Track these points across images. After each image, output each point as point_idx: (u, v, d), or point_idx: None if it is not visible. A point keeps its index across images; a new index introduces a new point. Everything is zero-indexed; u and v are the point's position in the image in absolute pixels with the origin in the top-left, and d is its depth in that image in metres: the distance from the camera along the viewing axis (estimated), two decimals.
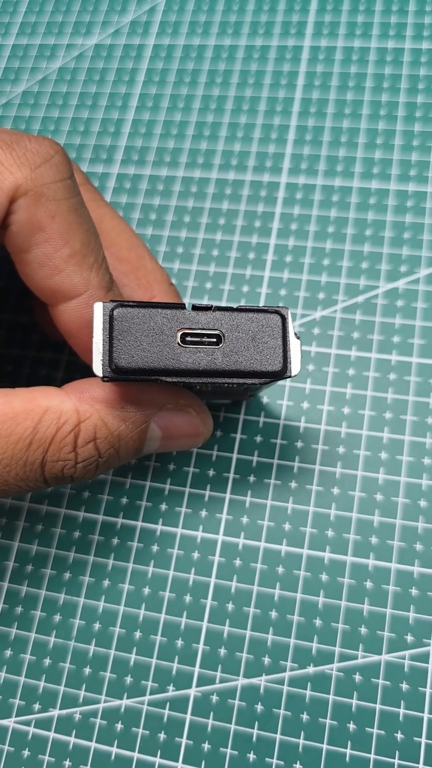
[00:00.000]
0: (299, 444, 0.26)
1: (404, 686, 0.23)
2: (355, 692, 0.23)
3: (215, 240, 0.30)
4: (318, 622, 0.24)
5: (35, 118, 0.34)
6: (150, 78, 0.34)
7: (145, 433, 0.22)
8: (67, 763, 0.24)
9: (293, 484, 0.26)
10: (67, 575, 0.26)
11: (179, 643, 0.25)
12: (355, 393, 0.27)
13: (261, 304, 0.28)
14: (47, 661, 0.25)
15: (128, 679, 0.25)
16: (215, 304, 0.20)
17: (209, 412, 0.23)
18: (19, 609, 0.26)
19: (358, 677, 0.23)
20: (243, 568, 0.25)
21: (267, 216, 0.30)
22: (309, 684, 0.24)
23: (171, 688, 0.24)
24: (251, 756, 0.23)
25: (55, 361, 0.29)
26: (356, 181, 0.30)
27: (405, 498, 0.25)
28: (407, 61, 0.32)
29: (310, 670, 0.24)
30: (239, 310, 0.19)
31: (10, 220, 0.20)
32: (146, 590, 0.25)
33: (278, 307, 0.19)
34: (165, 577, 0.25)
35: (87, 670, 0.25)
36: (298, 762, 0.23)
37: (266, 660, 0.24)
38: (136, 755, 0.24)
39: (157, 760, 0.24)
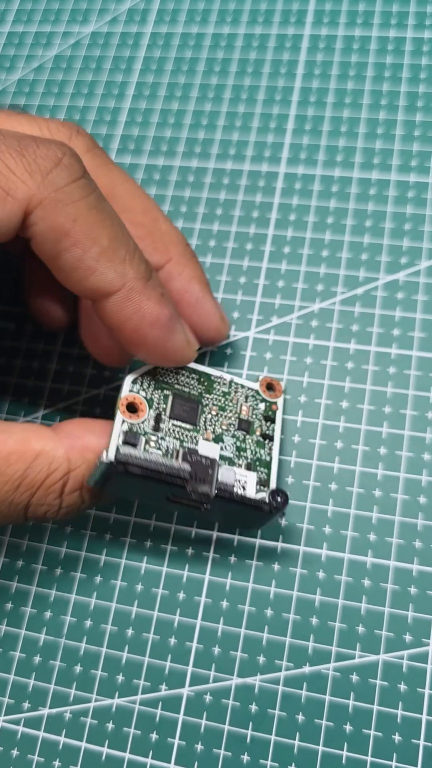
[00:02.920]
0: (296, 439, 0.26)
1: (402, 687, 0.22)
2: (352, 693, 0.23)
3: (212, 230, 0.29)
4: (314, 620, 0.24)
5: (31, 106, 0.33)
6: (147, 66, 0.33)
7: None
8: (57, 763, 0.23)
9: (290, 479, 0.25)
10: (59, 571, 0.25)
11: (172, 641, 0.24)
12: (353, 387, 0.26)
13: (258, 297, 0.28)
14: (37, 659, 0.25)
15: (120, 678, 0.24)
16: (213, 491, 0.21)
17: None
18: (9, 605, 0.25)
19: (355, 677, 0.23)
20: (238, 564, 0.24)
21: (265, 206, 0.29)
22: (305, 684, 0.23)
23: (163, 687, 0.24)
24: (245, 757, 0.23)
25: (47, 352, 0.28)
26: (356, 172, 0.29)
27: (404, 494, 0.24)
28: (409, 51, 0.31)
29: (306, 669, 0.23)
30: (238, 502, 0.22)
31: (32, 231, 0.20)
32: (139, 587, 0.25)
33: (275, 505, 0.22)
34: (158, 573, 0.25)
35: (78, 668, 0.24)
36: (293, 764, 0.22)
37: (261, 659, 0.23)
38: (127, 755, 0.23)
39: (149, 760, 0.23)
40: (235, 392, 0.24)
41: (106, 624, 0.25)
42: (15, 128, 0.22)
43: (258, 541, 0.25)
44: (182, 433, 0.22)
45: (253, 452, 0.23)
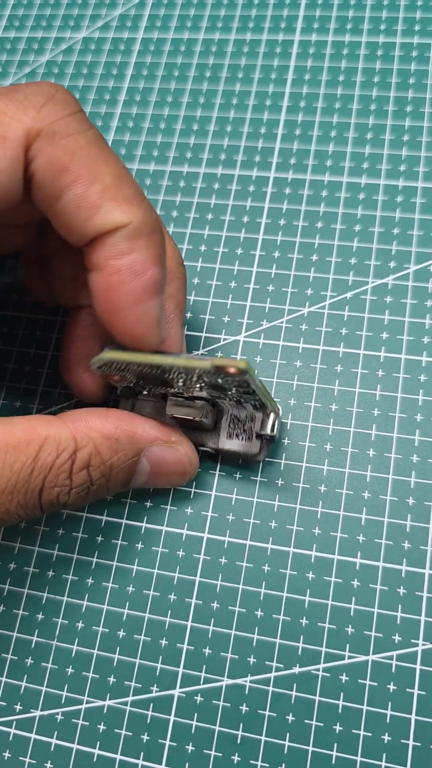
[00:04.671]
0: (286, 441, 0.26)
1: (391, 687, 0.23)
2: (341, 693, 0.23)
3: (203, 235, 0.29)
4: (304, 621, 0.24)
5: None
6: (139, 72, 0.34)
7: (135, 466, 0.23)
8: (49, 764, 0.23)
9: (279, 482, 0.25)
10: (50, 573, 0.26)
11: (163, 642, 0.24)
12: (343, 389, 0.26)
13: (248, 301, 0.28)
14: (29, 661, 0.25)
15: (111, 679, 0.24)
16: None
17: (197, 453, 0.24)
18: (1, 608, 0.26)
19: (344, 678, 0.23)
20: (228, 566, 0.25)
21: (255, 211, 0.30)
22: (295, 684, 0.23)
23: (155, 688, 0.24)
24: (236, 758, 0.23)
25: (39, 356, 0.29)
26: (346, 177, 0.30)
27: (393, 496, 0.25)
28: (398, 56, 0.31)
29: (296, 670, 0.23)
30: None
31: (32, 169, 0.19)
32: (130, 588, 0.25)
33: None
34: (149, 575, 0.25)
35: (69, 670, 0.24)
36: (283, 764, 0.22)
37: (251, 660, 0.24)
38: (118, 757, 0.23)
39: (140, 762, 0.23)
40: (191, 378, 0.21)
41: (97, 626, 0.25)
42: None
43: (248, 543, 0.25)
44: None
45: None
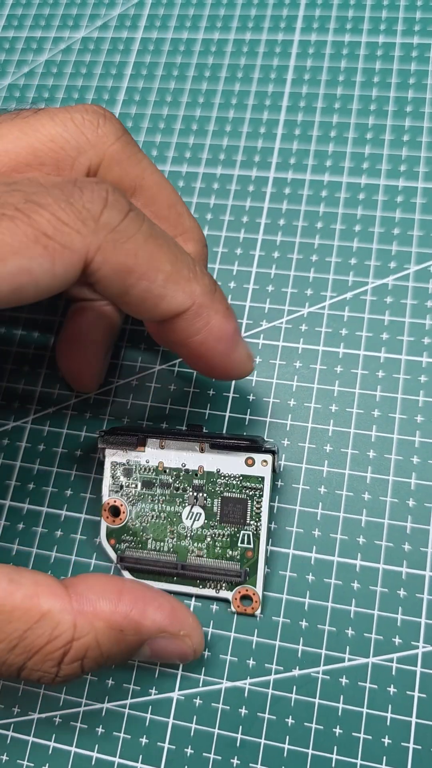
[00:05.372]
0: (286, 442, 0.26)
1: (392, 690, 0.23)
2: (341, 696, 0.23)
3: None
4: (304, 623, 0.24)
5: None
6: (138, 72, 0.34)
7: (133, 655, 0.21)
8: (47, 767, 0.23)
9: (279, 483, 0.25)
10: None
11: None
12: (342, 390, 0.26)
13: (248, 302, 0.28)
14: None
15: (110, 682, 0.24)
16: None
17: (203, 635, 0.23)
18: None
19: (344, 680, 0.23)
20: None
21: (255, 211, 0.30)
22: (294, 687, 0.23)
23: (153, 691, 0.24)
24: (235, 761, 0.23)
25: (38, 356, 0.28)
26: (345, 177, 0.29)
27: (393, 497, 0.24)
28: (398, 56, 0.31)
29: (296, 672, 0.23)
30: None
31: (97, 277, 0.19)
32: None
33: None
34: None
35: None
36: (283, 767, 0.22)
37: (251, 662, 0.23)
38: (117, 760, 0.23)
39: (139, 764, 0.23)
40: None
41: None
42: (39, 130, 0.21)
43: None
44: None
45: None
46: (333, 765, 0.22)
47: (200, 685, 0.23)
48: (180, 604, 0.22)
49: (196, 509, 0.24)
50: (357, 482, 0.25)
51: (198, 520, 0.24)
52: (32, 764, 0.24)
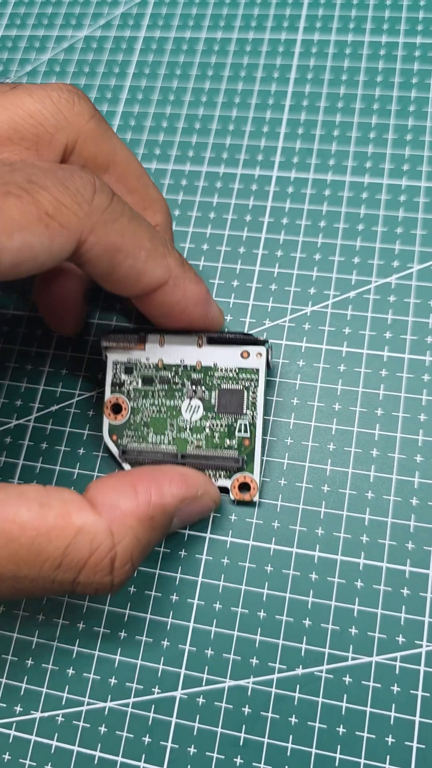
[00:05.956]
0: (289, 441, 0.26)
1: (395, 689, 0.22)
2: (344, 695, 0.23)
3: (205, 234, 0.29)
4: (307, 622, 0.23)
5: None
6: (141, 70, 0.34)
7: (168, 529, 0.23)
8: (49, 767, 0.23)
9: (282, 482, 0.25)
10: None
11: (165, 643, 0.24)
12: (345, 389, 0.26)
13: (251, 300, 0.28)
14: (29, 662, 0.25)
15: (112, 681, 0.24)
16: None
17: (215, 486, 0.24)
18: (1, 608, 0.25)
19: (348, 679, 0.23)
20: (231, 566, 0.24)
21: (258, 210, 0.29)
22: (298, 686, 0.23)
23: (156, 690, 0.24)
24: (238, 760, 0.22)
25: (41, 354, 0.28)
26: (348, 176, 0.29)
27: (396, 496, 0.24)
28: (401, 56, 0.31)
29: (299, 671, 0.23)
30: None
31: (87, 257, 0.20)
32: (132, 588, 0.25)
33: None
34: (151, 575, 0.25)
35: (70, 671, 0.24)
36: (286, 766, 0.22)
37: (254, 661, 0.23)
38: (120, 759, 0.23)
39: (142, 764, 0.23)
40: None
41: (98, 627, 0.25)
42: (19, 105, 0.22)
43: (251, 543, 0.25)
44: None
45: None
46: (336, 764, 0.22)
47: (203, 684, 0.23)
48: (186, 469, 0.23)
49: (195, 402, 0.25)
50: (360, 481, 0.25)
51: (197, 412, 0.25)
52: (34, 763, 0.23)
